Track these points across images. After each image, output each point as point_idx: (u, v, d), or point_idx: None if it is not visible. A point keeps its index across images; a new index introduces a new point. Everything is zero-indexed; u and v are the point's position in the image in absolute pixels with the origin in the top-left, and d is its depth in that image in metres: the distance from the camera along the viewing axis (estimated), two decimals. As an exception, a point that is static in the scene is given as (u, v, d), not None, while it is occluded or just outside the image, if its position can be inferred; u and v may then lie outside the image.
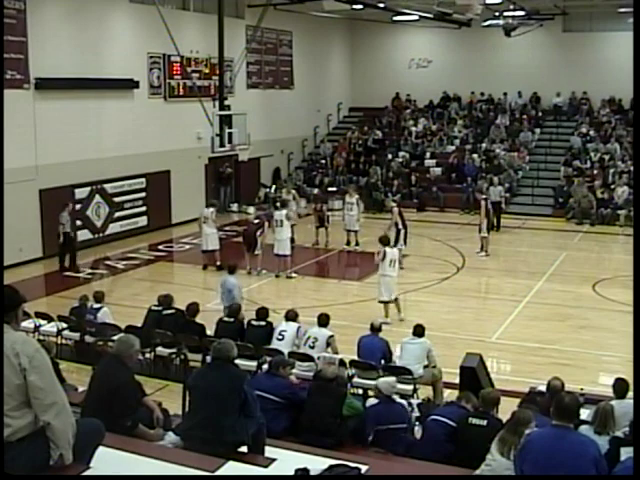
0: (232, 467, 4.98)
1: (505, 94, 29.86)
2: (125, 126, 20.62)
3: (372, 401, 7.73)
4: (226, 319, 10.82)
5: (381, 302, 13.46)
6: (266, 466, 5.27)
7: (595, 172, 24.89)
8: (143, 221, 21.91)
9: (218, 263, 17.24)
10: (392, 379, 7.66)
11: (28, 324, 11.48)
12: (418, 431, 7.67)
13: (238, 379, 5.68)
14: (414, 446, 7.05)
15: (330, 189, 27.18)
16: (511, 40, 24.91)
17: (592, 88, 28.29)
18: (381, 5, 22.15)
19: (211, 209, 17.60)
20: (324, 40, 30.24)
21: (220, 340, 6.17)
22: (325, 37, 30.24)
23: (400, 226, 17.02)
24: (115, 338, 10.95)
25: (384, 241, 13.90)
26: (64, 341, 11.77)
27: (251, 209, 25.42)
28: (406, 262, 17.67)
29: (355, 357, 9.87)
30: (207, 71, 23.49)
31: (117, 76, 20.26)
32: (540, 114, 29.12)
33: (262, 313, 10.76)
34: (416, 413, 8.08)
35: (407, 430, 7.33)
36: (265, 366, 9.35)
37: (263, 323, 10.61)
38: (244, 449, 5.59)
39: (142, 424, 5.68)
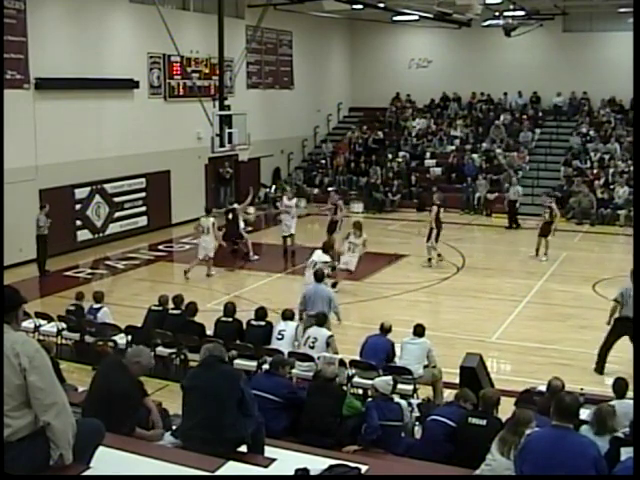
0: (232, 467, 4.98)
1: (505, 94, 29.87)
2: (125, 126, 20.62)
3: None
4: (224, 319, 10.82)
5: None
6: (266, 466, 5.27)
7: (595, 172, 24.92)
8: (143, 221, 21.91)
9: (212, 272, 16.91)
10: (388, 378, 7.66)
11: (28, 324, 11.48)
12: (418, 431, 7.67)
13: (234, 377, 5.70)
14: (414, 446, 7.06)
15: (330, 189, 27.18)
16: (511, 40, 24.91)
17: (592, 88, 28.29)
18: (381, 5, 22.19)
19: (212, 219, 16.96)
20: (324, 40, 30.25)
21: (209, 342, 6.22)
22: (325, 37, 30.25)
23: (434, 225, 17.26)
24: (119, 340, 11.05)
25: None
26: (64, 341, 11.78)
27: (251, 209, 25.42)
28: (405, 262, 17.72)
29: (355, 357, 9.88)
30: (207, 71, 23.48)
31: (117, 76, 20.26)
32: (540, 114, 29.12)
33: (261, 313, 10.77)
34: (416, 413, 8.08)
35: (403, 429, 7.33)
36: (265, 366, 9.36)
37: (262, 323, 10.62)
38: (244, 449, 5.59)
39: (141, 425, 5.68)
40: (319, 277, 11.85)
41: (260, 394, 6.91)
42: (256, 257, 18.34)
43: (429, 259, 17.49)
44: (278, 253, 19.08)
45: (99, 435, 4.59)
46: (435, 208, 17.51)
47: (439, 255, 17.50)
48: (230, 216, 18.41)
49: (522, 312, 14.22)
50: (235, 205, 18.84)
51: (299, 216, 24.30)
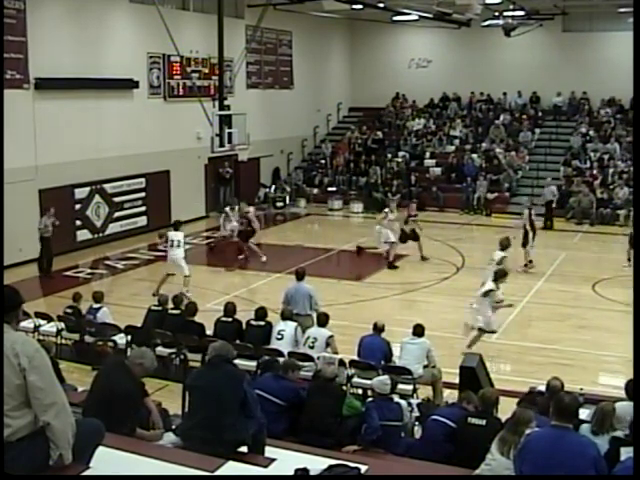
0: (232, 467, 4.97)
1: (505, 94, 29.87)
2: (125, 126, 20.61)
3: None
4: (224, 319, 10.81)
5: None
6: (266, 466, 5.26)
7: (595, 172, 24.92)
8: (143, 221, 21.90)
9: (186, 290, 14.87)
10: (384, 377, 7.64)
11: (28, 324, 11.48)
12: (418, 431, 7.67)
13: (237, 378, 5.68)
14: (414, 446, 7.05)
15: (330, 189, 27.22)
16: (511, 40, 24.91)
17: (592, 88, 28.30)
18: (381, 5, 22.17)
19: (181, 233, 15.64)
20: (324, 40, 30.24)
21: (218, 340, 6.18)
22: (325, 37, 30.24)
23: (529, 228, 17.17)
24: (119, 340, 11.04)
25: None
26: (64, 341, 11.78)
27: (251, 208, 25.41)
28: (405, 262, 17.70)
29: (355, 357, 9.88)
30: (207, 71, 23.48)
31: (117, 76, 20.25)
32: (540, 114, 29.13)
33: (261, 313, 10.77)
34: (416, 413, 8.08)
35: (402, 429, 7.32)
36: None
37: (262, 323, 10.62)
38: (244, 449, 5.59)
39: (141, 425, 5.67)
40: (300, 276, 11.92)
41: (265, 395, 6.91)
42: (242, 256, 18.33)
43: (527, 263, 17.05)
44: (277, 253, 19.08)
45: (99, 435, 4.58)
46: (527, 211, 17.47)
47: (530, 262, 17.05)
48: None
49: (522, 312, 14.22)
50: (250, 209, 18.63)
51: (298, 216, 24.39)
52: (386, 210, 18.47)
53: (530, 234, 17.20)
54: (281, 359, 9.10)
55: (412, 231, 18.28)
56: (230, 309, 10.90)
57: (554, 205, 22.52)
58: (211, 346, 5.97)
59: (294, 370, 7.58)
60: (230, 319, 10.78)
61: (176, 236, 15.49)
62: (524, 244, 17.16)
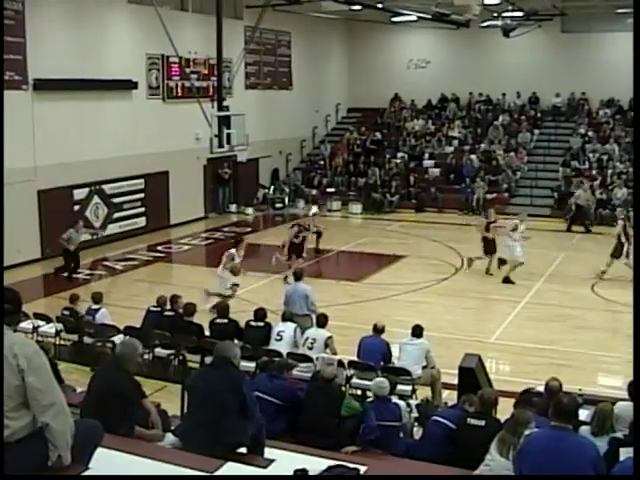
0: (231, 468, 4.97)
1: (504, 95, 29.87)
2: (124, 127, 20.61)
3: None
4: (219, 321, 10.73)
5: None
6: (265, 467, 5.26)
7: (594, 173, 24.93)
8: (142, 222, 21.90)
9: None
10: (381, 379, 7.65)
11: (27, 325, 11.48)
12: (417, 432, 7.68)
13: (237, 380, 5.65)
14: (413, 447, 7.06)
15: (328, 190, 27.23)
16: (510, 41, 24.92)
17: (591, 89, 28.32)
18: (379, 6, 22.19)
19: (231, 251, 14.36)
20: (322, 41, 30.24)
21: (223, 341, 6.19)
22: (323, 38, 30.24)
23: (624, 239, 16.38)
24: (118, 341, 11.02)
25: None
26: (62, 342, 11.77)
27: (250, 210, 25.47)
28: (404, 262, 17.70)
29: (354, 358, 9.88)
30: (206, 72, 23.48)
31: (116, 77, 20.25)
32: (539, 115, 29.13)
33: (260, 314, 10.76)
34: (415, 414, 8.09)
35: (401, 429, 7.33)
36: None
37: (261, 324, 10.61)
38: (243, 450, 5.58)
39: (140, 425, 5.67)
40: (298, 276, 11.95)
41: (262, 396, 6.91)
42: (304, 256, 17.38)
43: (602, 272, 16.39)
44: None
45: (98, 436, 4.58)
46: (621, 222, 16.95)
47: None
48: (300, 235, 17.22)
49: (521, 313, 14.23)
50: (304, 233, 17.42)
51: (297, 217, 24.36)
52: (516, 222, 16.69)
53: (626, 245, 16.24)
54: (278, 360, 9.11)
55: (493, 241, 16.82)
56: (224, 308, 10.87)
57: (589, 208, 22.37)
58: (216, 347, 5.97)
59: (288, 370, 7.62)
60: (226, 320, 10.73)
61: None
62: (615, 255, 16.32)
